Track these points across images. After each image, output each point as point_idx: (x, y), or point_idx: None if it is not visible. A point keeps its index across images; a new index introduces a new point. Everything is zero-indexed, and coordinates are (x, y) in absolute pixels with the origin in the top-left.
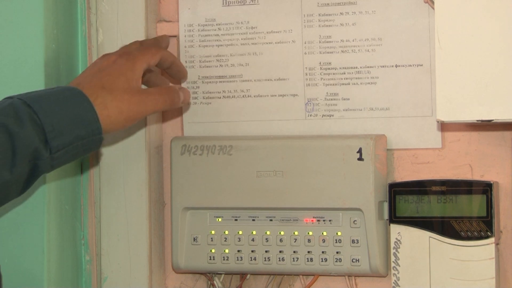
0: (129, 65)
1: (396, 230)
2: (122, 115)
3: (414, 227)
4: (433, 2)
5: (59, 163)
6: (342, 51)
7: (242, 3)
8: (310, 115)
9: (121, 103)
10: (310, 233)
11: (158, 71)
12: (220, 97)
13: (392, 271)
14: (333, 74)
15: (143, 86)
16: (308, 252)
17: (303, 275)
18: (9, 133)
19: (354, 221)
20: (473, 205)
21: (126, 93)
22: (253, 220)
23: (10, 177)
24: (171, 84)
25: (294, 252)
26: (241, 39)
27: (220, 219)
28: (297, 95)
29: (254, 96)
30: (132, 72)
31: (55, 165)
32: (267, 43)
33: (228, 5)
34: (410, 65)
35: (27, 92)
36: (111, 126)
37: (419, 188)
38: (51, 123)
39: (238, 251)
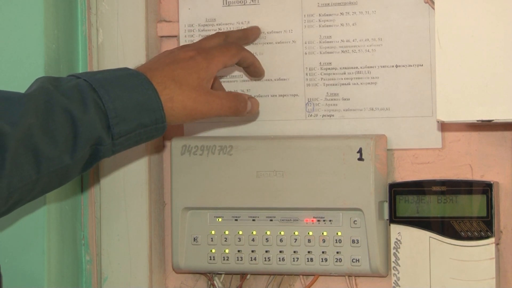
0: (205, 64)
1: (396, 230)
2: (185, 111)
3: (414, 227)
4: (433, 2)
5: (121, 148)
6: (342, 51)
7: (243, 3)
8: (310, 115)
9: (187, 99)
10: (310, 233)
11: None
12: None
13: (392, 271)
14: (334, 74)
15: None
16: (308, 252)
17: (303, 275)
18: (73, 119)
19: (354, 221)
20: (473, 205)
21: (195, 91)
22: (253, 220)
23: (71, 161)
24: (241, 92)
25: (294, 252)
26: None
27: (220, 219)
28: (297, 95)
29: (254, 96)
30: (206, 72)
31: (116, 150)
32: (267, 43)
33: (229, 5)
34: (410, 65)
35: (93, 72)
36: (171, 119)
37: (419, 188)
38: (115, 109)
39: (238, 251)
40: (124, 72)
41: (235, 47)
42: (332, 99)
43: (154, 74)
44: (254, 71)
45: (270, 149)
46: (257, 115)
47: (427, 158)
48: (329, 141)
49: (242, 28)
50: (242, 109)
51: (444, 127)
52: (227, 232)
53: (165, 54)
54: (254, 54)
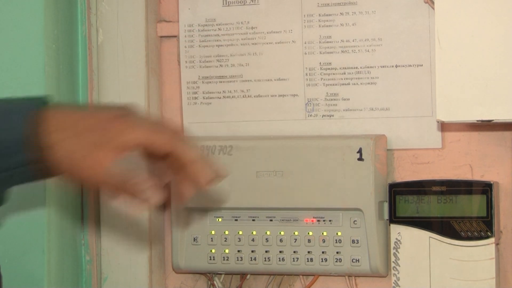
0: (118, 130)
1: (396, 230)
2: (69, 161)
3: (414, 227)
4: (433, 2)
5: (7, 184)
6: (342, 51)
7: (242, 3)
8: (310, 115)
9: (77, 150)
10: (310, 233)
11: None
12: (220, 97)
13: (392, 271)
14: (333, 74)
15: None
16: (308, 252)
17: (303, 275)
18: None
19: (354, 221)
20: (473, 205)
21: (87, 147)
22: (253, 220)
23: None
24: (147, 183)
25: (294, 252)
26: (241, 39)
27: (220, 219)
28: (297, 95)
29: (254, 96)
30: (114, 137)
31: (4, 186)
32: (267, 43)
33: (228, 5)
34: (410, 65)
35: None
36: (55, 164)
37: (419, 188)
38: None
39: (238, 251)
40: (17, 105)
41: (173, 134)
42: (332, 99)
43: (58, 115)
44: (179, 187)
45: (270, 149)
46: (163, 208)
47: (427, 158)
48: (329, 141)
49: (242, 28)
50: (127, 195)
51: (444, 127)
52: (227, 232)
53: (106, 106)
54: (254, 54)
